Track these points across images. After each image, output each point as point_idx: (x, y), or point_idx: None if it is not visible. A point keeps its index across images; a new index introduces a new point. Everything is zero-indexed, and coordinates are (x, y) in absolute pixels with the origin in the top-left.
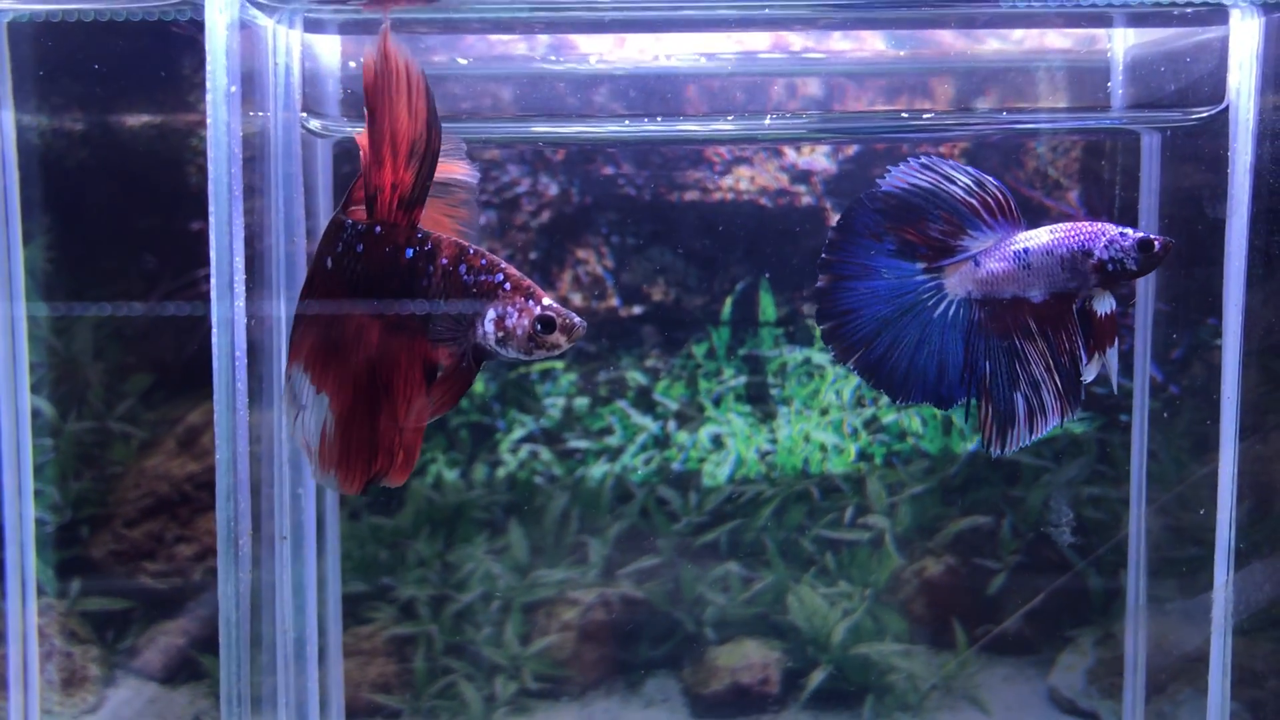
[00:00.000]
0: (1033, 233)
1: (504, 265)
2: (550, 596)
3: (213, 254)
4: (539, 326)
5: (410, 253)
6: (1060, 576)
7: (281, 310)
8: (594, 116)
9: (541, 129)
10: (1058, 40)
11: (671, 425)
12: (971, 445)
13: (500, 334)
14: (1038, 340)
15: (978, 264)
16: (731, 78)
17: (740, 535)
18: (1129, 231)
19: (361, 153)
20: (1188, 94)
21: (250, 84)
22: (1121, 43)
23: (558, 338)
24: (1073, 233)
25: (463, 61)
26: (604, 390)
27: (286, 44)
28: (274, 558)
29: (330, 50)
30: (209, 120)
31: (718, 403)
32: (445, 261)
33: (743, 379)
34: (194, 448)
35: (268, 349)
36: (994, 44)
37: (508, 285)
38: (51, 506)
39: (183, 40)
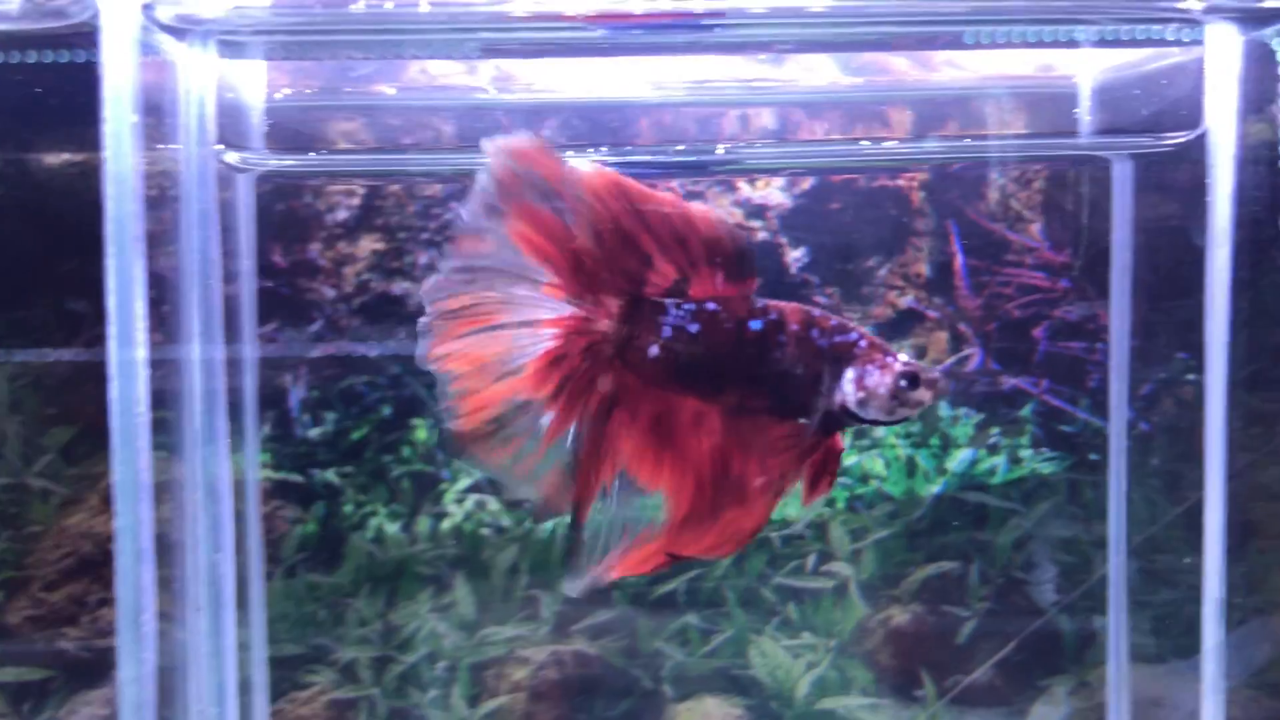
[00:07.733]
0: None
1: (853, 324)
2: (500, 655)
3: (111, 300)
4: (904, 383)
5: (757, 325)
6: (1031, 623)
7: (196, 355)
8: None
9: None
10: (1022, 65)
11: None
12: (936, 488)
13: (861, 395)
14: None
15: None
16: (683, 109)
17: (699, 585)
18: None
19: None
20: (1162, 119)
21: (158, 115)
22: (1088, 67)
23: (922, 394)
24: None
25: (390, 91)
26: None
27: (200, 70)
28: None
29: (253, 78)
30: (107, 156)
31: None
32: (796, 328)
33: None
34: None
35: (183, 396)
36: (950, 72)
37: (864, 344)
38: None
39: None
